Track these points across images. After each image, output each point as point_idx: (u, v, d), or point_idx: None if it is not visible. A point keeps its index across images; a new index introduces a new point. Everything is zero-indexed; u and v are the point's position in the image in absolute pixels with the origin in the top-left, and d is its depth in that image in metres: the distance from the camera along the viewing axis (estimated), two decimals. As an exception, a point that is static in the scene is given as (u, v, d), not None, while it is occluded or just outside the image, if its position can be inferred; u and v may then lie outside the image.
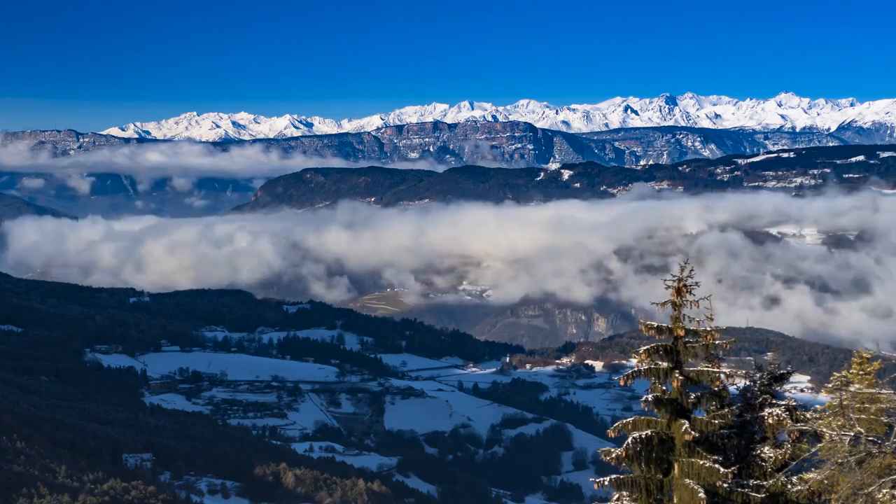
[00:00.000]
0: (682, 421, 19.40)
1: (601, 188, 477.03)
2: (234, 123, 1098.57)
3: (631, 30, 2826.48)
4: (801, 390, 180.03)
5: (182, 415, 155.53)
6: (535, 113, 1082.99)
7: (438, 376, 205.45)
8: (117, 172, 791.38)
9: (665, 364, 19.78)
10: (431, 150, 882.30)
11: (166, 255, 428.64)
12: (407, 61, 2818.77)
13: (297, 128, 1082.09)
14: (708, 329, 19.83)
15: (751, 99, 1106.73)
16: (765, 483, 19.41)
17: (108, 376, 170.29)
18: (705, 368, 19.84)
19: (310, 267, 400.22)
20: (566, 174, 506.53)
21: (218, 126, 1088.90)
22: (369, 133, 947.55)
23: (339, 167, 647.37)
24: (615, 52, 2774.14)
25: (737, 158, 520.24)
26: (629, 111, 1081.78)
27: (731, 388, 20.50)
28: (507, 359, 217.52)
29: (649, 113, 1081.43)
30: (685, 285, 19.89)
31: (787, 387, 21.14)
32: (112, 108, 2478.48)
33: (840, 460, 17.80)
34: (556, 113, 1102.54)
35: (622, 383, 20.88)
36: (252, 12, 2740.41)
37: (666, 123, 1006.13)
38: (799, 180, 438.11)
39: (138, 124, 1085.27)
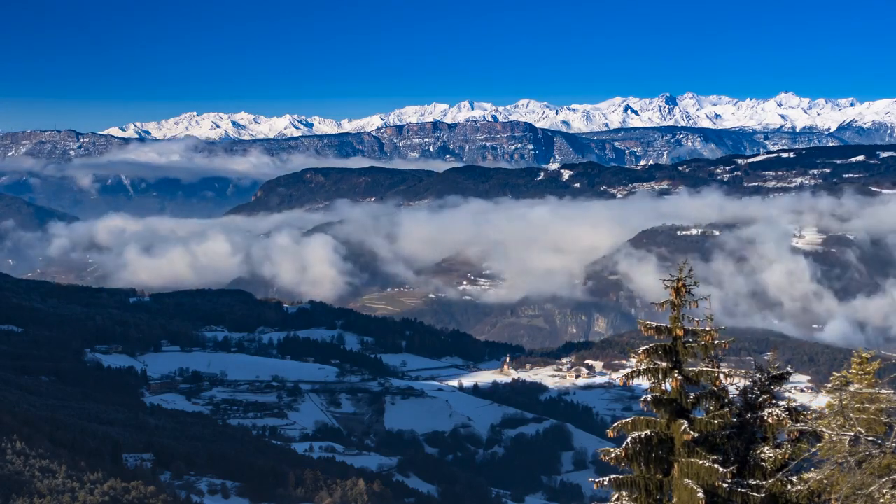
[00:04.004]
0: (682, 421, 19.39)
1: (601, 188, 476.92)
2: (234, 123, 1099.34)
3: (631, 30, 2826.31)
4: (801, 390, 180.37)
5: (182, 415, 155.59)
6: (535, 113, 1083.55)
7: (438, 376, 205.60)
8: (117, 172, 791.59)
9: (664, 364, 19.77)
10: (431, 150, 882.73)
11: (166, 255, 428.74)
12: (407, 61, 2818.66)
13: (297, 128, 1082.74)
14: (707, 329, 19.83)
15: (751, 99, 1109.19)
16: (765, 483, 19.40)
17: (108, 376, 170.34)
18: (704, 368, 19.85)
19: (311, 267, 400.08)
20: (566, 174, 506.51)
21: (218, 126, 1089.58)
22: (369, 133, 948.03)
23: (339, 167, 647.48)
24: (615, 52, 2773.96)
25: (737, 158, 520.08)
26: (629, 111, 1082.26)
27: (731, 388, 20.49)
28: (507, 359, 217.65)
29: (649, 113, 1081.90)
30: (684, 285, 19.89)
31: (787, 387, 21.13)
32: (112, 108, 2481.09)
33: (840, 460, 17.79)
34: (556, 113, 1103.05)
35: (621, 383, 20.88)
36: (252, 12, 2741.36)
37: (666, 123, 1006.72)
38: (799, 180, 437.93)
39: (138, 124, 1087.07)
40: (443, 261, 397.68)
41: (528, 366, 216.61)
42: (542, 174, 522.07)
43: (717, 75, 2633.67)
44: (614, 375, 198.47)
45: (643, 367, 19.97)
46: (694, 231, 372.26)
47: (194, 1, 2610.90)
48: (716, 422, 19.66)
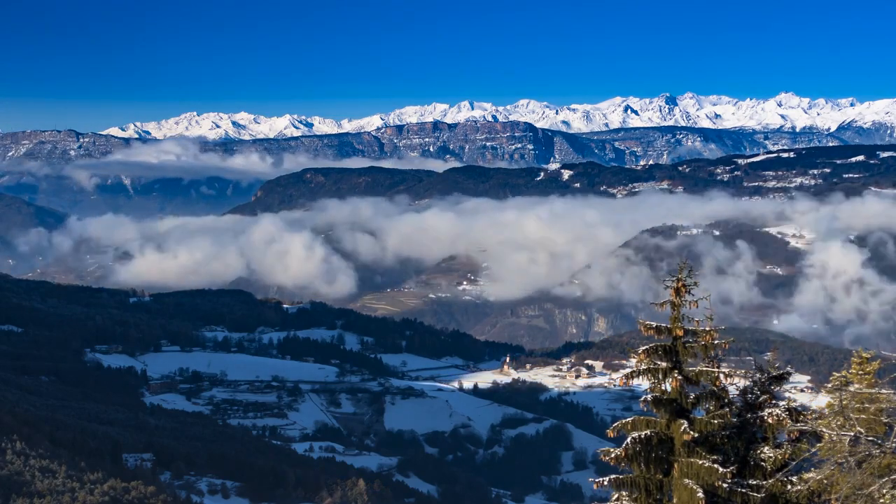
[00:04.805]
0: (682, 421, 19.38)
1: (601, 188, 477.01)
2: (234, 123, 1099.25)
3: (631, 30, 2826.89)
4: (801, 390, 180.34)
5: (182, 415, 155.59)
6: (535, 113, 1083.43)
7: (438, 376, 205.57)
8: (117, 172, 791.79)
9: (664, 364, 19.76)
10: (431, 150, 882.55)
11: (166, 255, 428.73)
12: (407, 61, 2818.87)
13: (297, 128, 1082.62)
14: (707, 329, 19.81)
15: (751, 99, 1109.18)
16: (765, 483, 19.39)
17: (108, 376, 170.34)
18: (704, 368, 19.83)
19: (311, 266, 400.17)
20: (566, 174, 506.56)
21: (218, 126, 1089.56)
22: (369, 133, 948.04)
23: (339, 167, 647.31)
24: (615, 52, 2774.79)
25: (737, 158, 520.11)
26: (629, 111, 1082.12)
27: (731, 388, 20.48)
28: (507, 359, 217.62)
29: (649, 113, 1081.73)
30: (684, 285, 19.88)
31: (787, 387, 21.11)
32: (112, 108, 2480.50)
33: (840, 460, 17.78)
34: (556, 113, 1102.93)
35: (621, 383, 20.94)
36: (252, 12, 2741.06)
37: (666, 123, 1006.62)
38: (799, 180, 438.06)
39: (138, 124, 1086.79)
40: (443, 261, 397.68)
41: (528, 366, 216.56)
42: (542, 174, 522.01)
43: (717, 75, 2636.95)
44: (614, 375, 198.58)
45: (643, 367, 19.96)
46: (694, 231, 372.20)
47: (194, 1, 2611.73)
48: (716, 422, 19.65)
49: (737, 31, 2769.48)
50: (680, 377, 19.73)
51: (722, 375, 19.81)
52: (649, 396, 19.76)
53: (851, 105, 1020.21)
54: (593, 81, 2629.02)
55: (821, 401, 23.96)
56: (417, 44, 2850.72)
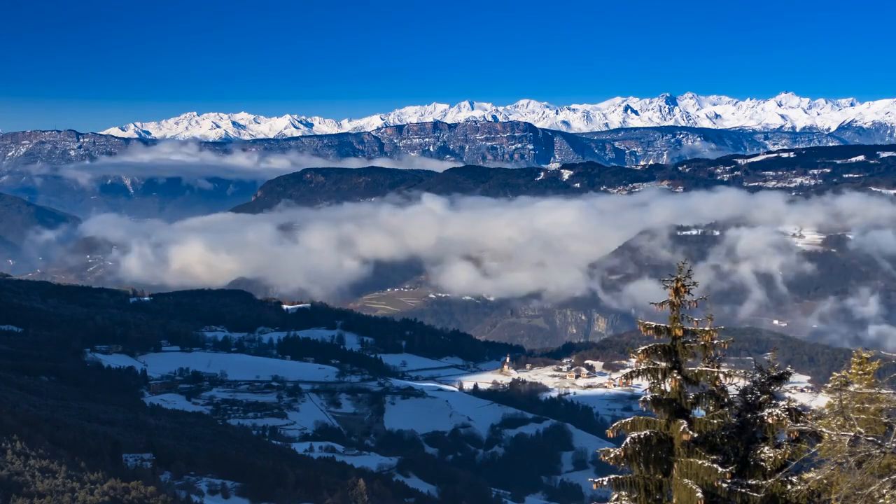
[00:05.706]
0: (681, 421, 19.36)
1: (601, 188, 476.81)
2: (234, 123, 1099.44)
3: (631, 30, 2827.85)
4: (801, 390, 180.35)
5: (182, 415, 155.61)
6: (535, 113, 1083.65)
7: (438, 376, 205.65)
8: (117, 172, 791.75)
9: (664, 364, 19.73)
10: (431, 149, 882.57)
11: (166, 255, 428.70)
12: (407, 61, 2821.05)
13: (297, 128, 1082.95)
14: (706, 329, 19.79)
15: (751, 99, 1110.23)
16: (765, 483, 19.37)
17: (108, 376, 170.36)
18: (704, 368, 19.81)
19: (311, 267, 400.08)
20: (566, 174, 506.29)
21: (218, 126, 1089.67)
22: (369, 133, 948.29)
23: (339, 167, 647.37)
24: (615, 52, 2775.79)
25: (737, 158, 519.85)
26: (629, 111, 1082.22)
27: (731, 388, 20.46)
28: (507, 359, 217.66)
29: (649, 113, 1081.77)
30: (683, 285, 19.85)
31: (786, 387, 21.09)
32: (112, 108, 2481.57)
33: (840, 460, 17.77)
34: (556, 113, 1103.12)
35: (621, 383, 20.93)
36: (252, 12, 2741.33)
37: (666, 123, 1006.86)
38: (799, 180, 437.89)
39: (138, 124, 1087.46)
40: (443, 260, 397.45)
41: (528, 366, 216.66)
42: (542, 174, 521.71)
43: (717, 75, 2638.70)
44: (614, 375, 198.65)
45: (643, 367, 19.93)
46: (694, 231, 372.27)
47: (195, 1, 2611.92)
48: (715, 422, 19.63)
49: (737, 31, 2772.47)
50: (679, 377, 19.70)
51: (722, 375, 19.79)
52: (649, 396, 19.74)
53: (851, 105, 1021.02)
54: (593, 81, 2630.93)
55: (821, 401, 23.95)
56: (417, 44, 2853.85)
